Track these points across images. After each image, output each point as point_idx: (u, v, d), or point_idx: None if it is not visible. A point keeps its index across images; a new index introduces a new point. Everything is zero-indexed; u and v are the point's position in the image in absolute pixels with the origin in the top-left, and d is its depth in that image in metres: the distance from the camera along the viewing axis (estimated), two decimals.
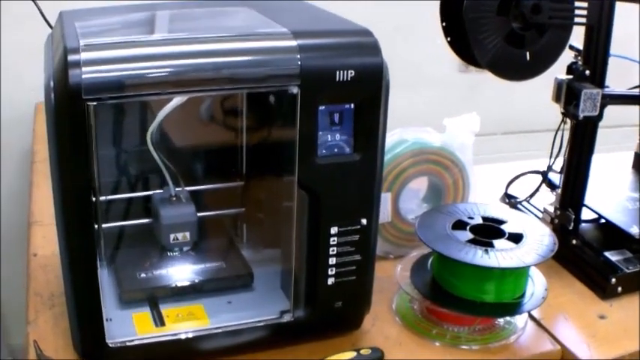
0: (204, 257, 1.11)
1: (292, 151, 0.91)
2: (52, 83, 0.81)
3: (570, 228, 1.24)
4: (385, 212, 1.19)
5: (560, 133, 1.26)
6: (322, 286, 0.99)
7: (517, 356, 1.05)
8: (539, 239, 1.09)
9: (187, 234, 1.10)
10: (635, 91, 1.26)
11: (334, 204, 0.95)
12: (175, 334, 0.97)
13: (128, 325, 1.00)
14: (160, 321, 1.01)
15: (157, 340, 0.97)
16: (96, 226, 0.93)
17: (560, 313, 1.14)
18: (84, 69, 0.80)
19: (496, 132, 2.44)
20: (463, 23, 1.09)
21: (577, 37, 1.17)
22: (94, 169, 0.88)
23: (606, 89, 1.18)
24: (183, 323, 1.01)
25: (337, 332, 1.05)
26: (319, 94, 0.89)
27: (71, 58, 0.80)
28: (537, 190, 1.38)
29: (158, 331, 0.99)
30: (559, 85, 1.20)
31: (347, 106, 0.91)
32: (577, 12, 1.14)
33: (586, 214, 1.28)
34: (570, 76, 1.19)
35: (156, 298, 1.04)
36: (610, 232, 1.29)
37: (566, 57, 1.18)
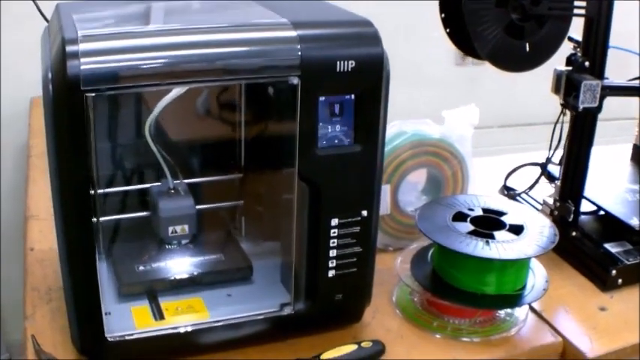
0: (203, 250, 1.10)
1: (292, 143, 0.91)
2: (49, 75, 0.80)
3: (570, 220, 1.24)
4: (384, 204, 1.18)
5: (559, 124, 1.25)
6: (323, 279, 0.98)
7: (518, 349, 1.05)
8: (540, 231, 1.08)
9: (186, 227, 1.09)
10: (635, 83, 1.25)
11: (335, 196, 0.94)
12: (175, 328, 0.97)
13: (127, 319, 0.99)
14: (159, 314, 1.00)
15: (156, 333, 0.96)
16: (94, 219, 0.92)
17: (560, 305, 1.14)
18: (82, 60, 0.79)
19: (493, 125, 2.44)
20: (462, 15, 1.08)
21: (575, 28, 1.16)
22: (92, 162, 0.87)
23: (606, 81, 1.18)
24: (183, 316, 1.00)
25: (338, 325, 1.05)
26: (319, 85, 0.89)
27: (69, 49, 0.80)
28: (537, 181, 1.38)
29: (157, 325, 0.98)
30: (558, 76, 1.20)
31: (347, 96, 0.91)
32: (576, 3, 1.13)
33: (585, 207, 1.28)
34: (570, 68, 1.19)
35: (155, 291, 1.04)
36: (609, 224, 1.28)
37: (564, 49, 1.18)
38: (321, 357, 0.97)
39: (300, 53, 0.86)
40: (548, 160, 1.34)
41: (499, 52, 1.11)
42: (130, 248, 1.10)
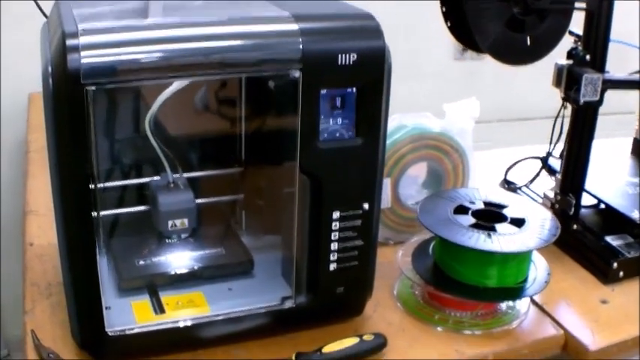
0: (203, 244, 1.10)
1: (293, 137, 0.91)
2: (49, 68, 0.80)
3: (571, 213, 1.24)
4: (385, 198, 1.18)
5: (560, 118, 1.25)
6: (324, 272, 0.98)
7: (520, 341, 1.05)
8: (542, 223, 1.08)
9: (186, 220, 1.09)
10: (635, 76, 1.25)
11: (336, 189, 0.94)
12: (175, 322, 0.97)
13: (127, 314, 0.99)
14: (159, 309, 1.00)
15: (156, 328, 0.96)
16: (94, 214, 0.91)
17: (562, 298, 1.14)
18: (82, 53, 0.79)
19: (491, 119, 2.44)
20: (463, 8, 1.08)
21: (575, 23, 1.16)
22: (92, 156, 0.87)
23: (606, 74, 1.18)
24: (184, 311, 1.00)
25: (339, 319, 1.04)
26: (321, 78, 0.88)
27: (69, 42, 0.79)
28: (537, 175, 1.38)
29: (158, 319, 0.98)
30: (559, 70, 1.19)
31: (349, 90, 0.90)
32: None
33: (585, 200, 1.28)
34: (571, 61, 1.19)
35: (155, 285, 1.03)
36: (610, 217, 1.28)
37: (564, 43, 1.17)
38: (323, 350, 0.97)
39: (301, 46, 0.86)
40: (549, 154, 1.34)
41: (500, 46, 1.11)
42: (129, 243, 1.10)
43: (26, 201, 1.34)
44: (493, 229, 1.05)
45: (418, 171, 1.24)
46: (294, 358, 0.97)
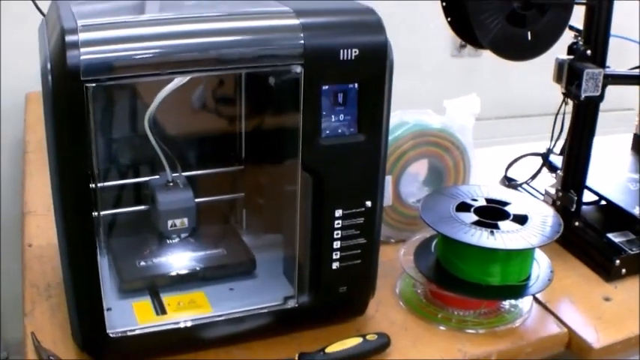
0: (204, 244, 1.09)
1: (294, 134, 0.90)
2: (48, 65, 0.79)
3: (573, 210, 1.23)
4: (386, 196, 1.17)
5: (560, 113, 1.25)
6: (326, 271, 0.97)
7: (524, 340, 1.04)
8: (544, 220, 1.07)
9: (185, 220, 1.07)
10: (636, 72, 1.25)
11: (338, 186, 0.93)
12: (177, 323, 0.96)
13: (129, 315, 0.98)
14: (161, 309, 0.99)
15: (158, 329, 0.95)
16: (95, 213, 0.90)
17: (565, 295, 1.13)
18: (82, 50, 0.78)
19: (490, 117, 2.44)
20: (464, 3, 1.08)
21: (574, 17, 1.16)
22: (92, 154, 0.86)
23: (607, 69, 1.17)
24: (185, 311, 0.99)
25: (342, 318, 1.03)
26: (323, 74, 0.87)
27: (69, 38, 0.78)
28: (539, 172, 1.37)
29: (159, 320, 0.97)
30: (560, 65, 1.19)
31: (351, 85, 0.89)
32: None
33: (586, 197, 1.27)
34: (571, 57, 1.18)
35: (156, 286, 1.02)
36: (611, 214, 1.28)
37: (564, 39, 1.17)
38: (326, 350, 0.96)
39: (303, 41, 0.85)
40: (550, 151, 1.33)
41: (501, 41, 1.10)
42: (129, 243, 1.09)
43: (24, 201, 1.33)
44: (496, 227, 1.04)
45: (419, 168, 1.24)
46: (297, 358, 0.96)
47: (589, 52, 1.17)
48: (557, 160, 1.31)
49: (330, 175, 0.92)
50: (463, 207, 1.09)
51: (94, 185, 0.88)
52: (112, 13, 0.88)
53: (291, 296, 0.99)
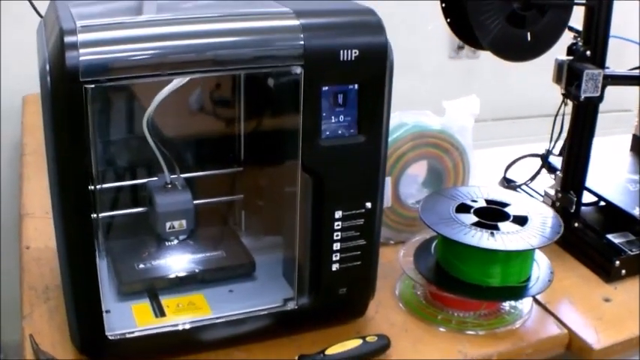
0: (203, 246, 1.08)
1: (294, 135, 0.89)
2: (47, 66, 0.78)
3: (572, 211, 1.23)
4: (386, 197, 1.16)
5: (560, 115, 1.25)
6: (326, 273, 0.97)
7: (525, 341, 1.03)
8: (544, 221, 1.07)
9: (184, 222, 1.07)
10: (636, 72, 1.24)
11: (338, 187, 0.93)
12: (176, 325, 0.95)
13: (127, 317, 0.97)
14: (160, 312, 0.99)
15: (157, 331, 0.95)
16: (94, 216, 0.90)
17: (564, 297, 1.13)
18: (81, 51, 0.78)
19: (489, 118, 2.44)
20: (463, 4, 1.07)
21: (574, 18, 1.15)
22: (91, 156, 0.85)
23: (607, 70, 1.17)
24: (184, 313, 0.98)
25: (341, 320, 1.03)
26: (323, 75, 0.87)
27: (67, 39, 0.78)
28: (538, 172, 1.37)
29: (159, 322, 0.97)
30: (560, 66, 1.18)
31: (351, 86, 0.89)
32: None
33: (585, 198, 1.27)
34: (571, 57, 1.18)
35: (155, 288, 1.02)
36: (611, 215, 1.28)
37: (563, 40, 1.17)
38: (326, 352, 0.96)
39: (303, 42, 0.85)
40: (549, 152, 1.33)
41: (500, 42, 1.10)
42: (128, 245, 1.08)
43: (22, 204, 1.33)
44: (496, 228, 1.04)
45: (418, 170, 1.23)
46: None
47: (588, 52, 1.16)
48: (557, 161, 1.31)
49: (330, 176, 0.92)
50: (463, 208, 1.09)
51: (93, 187, 0.87)
52: (111, 14, 0.88)
53: (291, 298, 0.99)
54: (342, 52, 0.86)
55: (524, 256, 1.06)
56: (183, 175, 1.09)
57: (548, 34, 1.12)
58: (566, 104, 1.22)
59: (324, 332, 1.01)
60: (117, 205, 1.11)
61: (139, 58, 0.80)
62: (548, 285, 1.06)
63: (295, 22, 0.85)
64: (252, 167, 1.12)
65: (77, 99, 0.78)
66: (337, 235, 0.95)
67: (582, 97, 1.15)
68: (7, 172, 2.02)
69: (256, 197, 1.12)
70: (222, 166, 1.13)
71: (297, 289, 0.98)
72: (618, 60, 1.26)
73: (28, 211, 1.29)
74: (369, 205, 0.95)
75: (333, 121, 0.90)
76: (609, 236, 1.22)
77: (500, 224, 1.05)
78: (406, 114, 1.20)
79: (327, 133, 0.90)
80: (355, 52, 0.86)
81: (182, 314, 0.98)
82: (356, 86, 0.89)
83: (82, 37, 0.78)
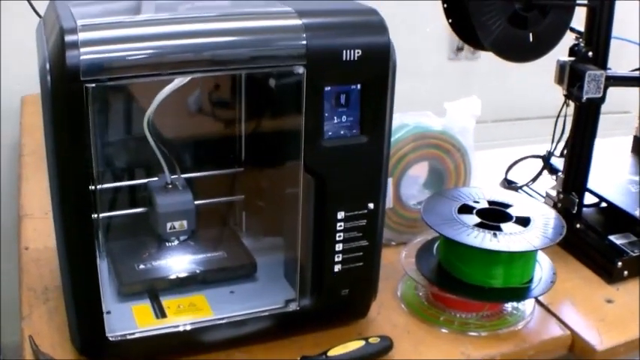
0: (204, 247, 1.08)
1: (296, 136, 0.89)
2: (47, 66, 0.78)
3: (574, 212, 1.23)
4: (387, 198, 1.16)
5: (562, 116, 1.24)
6: (328, 274, 0.96)
7: (527, 342, 1.03)
8: (547, 222, 1.07)
9: (184, 222, 1.06)
10: (638, 73, 1.24)
11: (341, 188, 0.92)
12: (177, 326, 0.95)
13: (128, 318, 0.97)
14: (160, 313, 0.98)
15: (158, 332, 0.94)
16: (94, 216, 0.89)
17: (567, 298, 1.13)
18: (82, 50, 0.77)
19: (490, 119, 2.43)
20: (465, 5, 1.07)
21: (576, 19, 1.15)
22: (92, 156, 0.85)
23: (609, 71, 1.16)
24: (185, 314, 0.98)
25: (343, 321, 1.03)
26: (325, 75, 0.87)
27: (68, 38, 0.77)
28: (540, 174, 1.36)
29: (159, 324, 0.96)
30: (562, 67, 1.18)
31: (353, 86, 0.89)
32: None
33: (587, 199, 1.26)
34: (573, 58, 1.17)
35: (156, 289, 1.01)
36: (612, 216, 1.27)
37: (564, 41, 1.16)
38: (328, 354, 0.95)
39: (305, 42, 0.84)
40: (551, 153, 1.33)
41: (502, 42, 1.10)
42: (128, 246, 1.08)
43: (21, 205, 1.32)
44: (499, 229, 1.03)
45: (419, 171, 1.23)
46: None
47: (590, 53, 1.16)
48: (558, 162, 1.31)
49: (332, 176, 0.91)
50: (465, 209, 1.08)
51: (93, 187, 0.87)
52: (111, 13, 0.87)
53: (293, 299, 0.98)
54: (344, 52, 0.85)
55: (527, 258, 1.05)
56: (183, 176, 1.09)
57: (550, 34, 1.12)
58: (567, 105, 1.21)
59: (326, 333, 1.00)
60: (117, 205, 1.10)
61: (140, 57, 0.80)
62: (550, 286, 1.05)
63: (297, 22, 0.85)
64: (253, 168, 1.11)
65: (77, 98, 0.78)
66: (339, 236, 0.94)
67: (584, 99, 1.15)
68: (6, 173, 2.02)
69: (257, 198, 1.12)
70: (223, 167, 1.12)
71: (299, 290, 0.98)
72: (616, 61, 1.25)
73: (26, 212, 1.29)
74: (371, 205, 0.94)
75: (335, 121, 0.89)
76: (611, 237, 1.22)
77: (502, 225, 1.04)
78: (407, 115, 1.20)
79: (330, 133, 0.89)
80: (358, 52, 0.86)
81: (183, 315, 0.98)
82: (358, 86, 0.89)
83: (82, 36, 0.77)
